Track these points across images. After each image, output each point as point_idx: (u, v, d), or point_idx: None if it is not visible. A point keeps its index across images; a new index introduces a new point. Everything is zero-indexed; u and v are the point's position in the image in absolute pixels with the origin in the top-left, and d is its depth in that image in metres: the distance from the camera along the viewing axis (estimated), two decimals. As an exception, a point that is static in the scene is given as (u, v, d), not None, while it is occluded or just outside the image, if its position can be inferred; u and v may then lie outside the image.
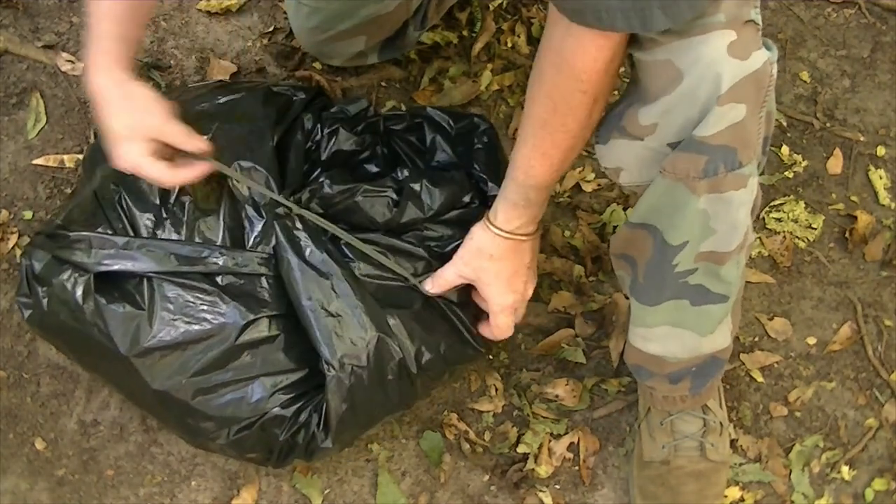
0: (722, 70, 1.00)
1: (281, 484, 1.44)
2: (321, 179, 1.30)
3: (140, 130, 1.15)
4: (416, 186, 1.31)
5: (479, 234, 1.26)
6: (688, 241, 1.13)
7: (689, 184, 1.07)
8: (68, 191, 1.56)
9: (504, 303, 1.29)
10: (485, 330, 1.33)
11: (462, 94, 1.67)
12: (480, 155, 1.38)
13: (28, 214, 1.55)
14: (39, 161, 1.58)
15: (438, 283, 1.29)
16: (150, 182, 1.21)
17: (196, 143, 1.17)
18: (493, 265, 1.26)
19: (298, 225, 1.26)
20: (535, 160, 1.17)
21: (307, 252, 1.25)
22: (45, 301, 1.26)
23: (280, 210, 1.27)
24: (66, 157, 1.58)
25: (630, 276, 1.26)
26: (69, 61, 1.64)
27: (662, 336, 1.27)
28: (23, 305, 1.30)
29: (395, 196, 1.30)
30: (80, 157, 1.57)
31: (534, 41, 1.76)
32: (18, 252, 1.52)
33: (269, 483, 1.43)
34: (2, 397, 1.45)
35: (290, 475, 1.44)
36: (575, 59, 1.06)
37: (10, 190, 1.56)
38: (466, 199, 1.33)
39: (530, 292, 1.32)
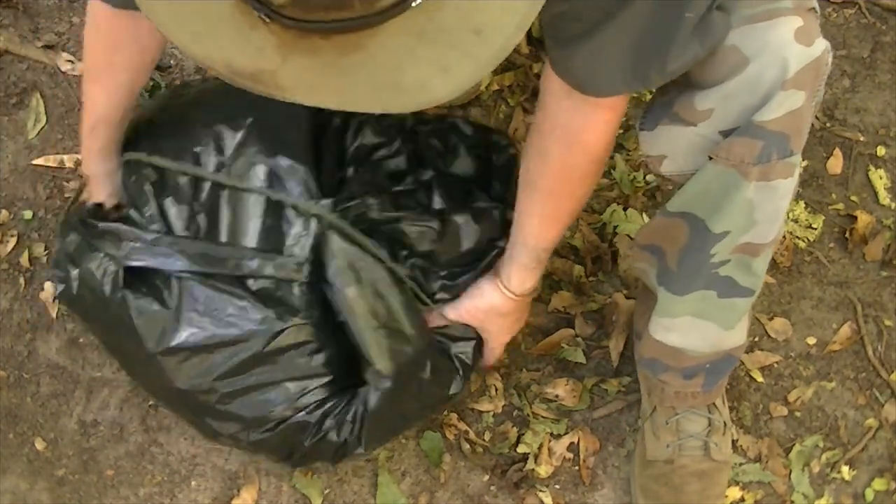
0: (789, 55, 0.99)
1: (281, 484, 1.44)
2: (368, 201, 1.27)
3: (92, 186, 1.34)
4: (460, 220, 1.31)
5: (490, 294, 1.32)
6: (729, 231, 1.12)
7: (743, 169, 1.05)
8: (68, 194, 1.56)
9: (505, 341, 1.39)
10: (486, 363, 1.43)
11: (463, 94, 1.67)
12: (500, 172, 1.40)
13: (28, 214, 1.55)
14: (39, 161, 1.58)
15: (436, 320, 1.33)
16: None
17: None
18: (503, 321, 1.35)
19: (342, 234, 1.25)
20: (544, 226, 1.22)
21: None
22: (75, 284, 1.26)
23: (321, 216, 1.24)
24: (65, 157, 1.58)
25: (656, 266, 1.24)
26: (69, 61, 1.64)
27: (685, 327, 1.25)
28: (56, 279, 1.30)
29: (437, 227, 1.29)
30: (80, 156, 1.57)
31: (534, 41, 1.75)
32: (18, 252, 1.52)
33: (269, 483, 1.43)
34: (2, 397, 1.45)
35: (290, 475, 1.44)
36: (586, 135, 1.09)
37: (10, 190, 1.56)
38: (500, 242, 1.32)
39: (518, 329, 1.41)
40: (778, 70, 1.00)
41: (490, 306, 1.32)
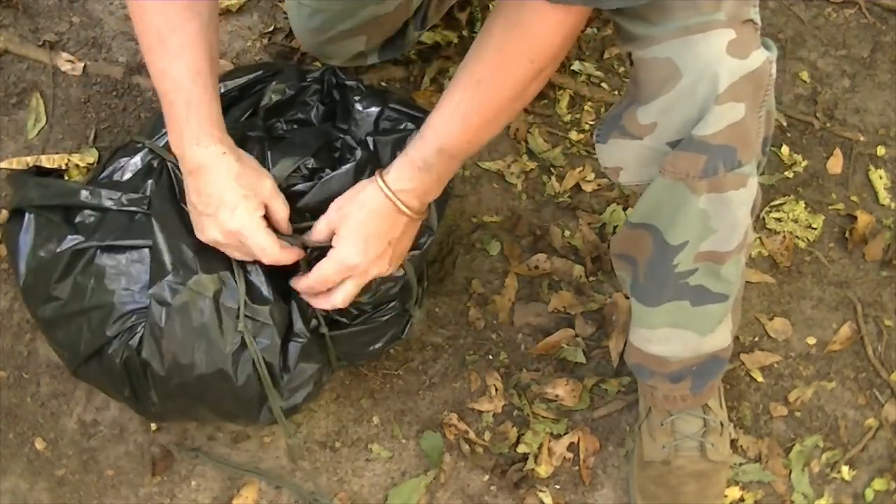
0: (720, 69, 1.00)
1: (281, 484, 1.44)
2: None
3: (260, 193, 1.12)
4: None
5: (363, 184, 1.16)
6: (688, 241, 1.13)
7: (689, 183, 1.07)
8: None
9: (345, 257, 1.15)
10: (299, 281, 1.20)
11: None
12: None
13: (28, 214, 1.55)
14: (40, 161, 1.58)
15: (315, 235, 1.19)
16: (252, 252, 1.15)
17: (288, 224, 1.16)
18: (360, 214, 1.14)
19: None
20: (453, 121, 1.09)
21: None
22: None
23: None
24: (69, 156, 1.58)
25: (630, 276, 1.26)
26: (69, 61, 1.64)
27: (664, 337, 1.28)
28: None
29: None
30: (80, 156, 1.57)
31: (534, 41, 1.76)
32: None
33: (268, 483, 1.43)
34: (2, 397, 1.45)
35: (291, 475, 1.44)
36: (532, 27, 1.02)
37: (11, 190, 1.56)
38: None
39: (375, 272, 1.17)
40: (709, 85, 1.00)
41: (357, 196, 1.15)
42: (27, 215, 1.28)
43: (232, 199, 1.11)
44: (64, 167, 1.55)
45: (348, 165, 1.24)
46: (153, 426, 1.45)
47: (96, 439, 1.44)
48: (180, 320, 1.20)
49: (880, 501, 1.49)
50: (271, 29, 1.70)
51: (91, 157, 1.57)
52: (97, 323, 1.24)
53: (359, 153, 1.25)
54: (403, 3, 1.44)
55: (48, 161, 1.58)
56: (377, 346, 1.35)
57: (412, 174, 1.13)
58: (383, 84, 1.68)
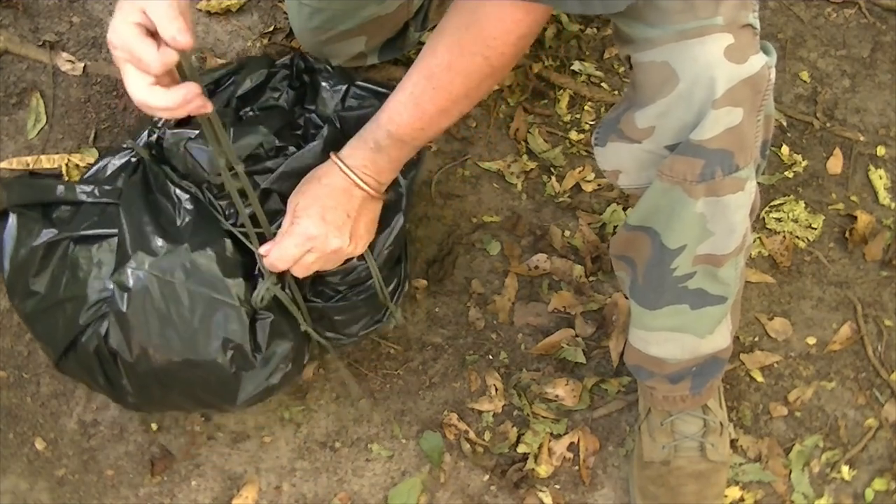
0: (717, 73, 1.00)
1: (281, 484, 1.44)
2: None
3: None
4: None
5: (323, 164, 1.19)
6: (686, 245, 1.13)
7: (687, 187, 1.07)
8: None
9: (305, 228, 1.16)
10: (263, 259, 1.20)
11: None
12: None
13: (28, 214, 1.55)
14: (40, 161, 1.58)
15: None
16: (138, 68, 0.95)
17: (179, 27, 0.91)
18: (318, 188, 1.17)
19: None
20: (406, 107, 1.11)
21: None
22: None
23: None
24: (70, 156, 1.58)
25: (630, 277, 1.26)
26: (69, 61, 1.64)
27: (662, 339, 1.28)
28: None
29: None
30: (80, 156, 1.57)
31: (534, 42, 1.75)
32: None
33: (268, 483, 1.43)
34: (2, 397, 1.45)
35: (291, 475, 1.44)
36: (488, 22, 1.02)
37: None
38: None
39: (335, 244, 1.17)
40: (706, 89, 1.00)
41: (315, 173, 1.19)
42: (10, 216, 1.30)
43: (117, 11, 0.95)
44: (63, 167, 1.55)
45: (315, 142, 1.24)
46: (153, 426, 1.45)
47: (96, 439, 1.44)
48: (142, 305, 1.20)
49: (880, 501, 1.49)
50: (271, 29, 1.70)
51: (91, 157, 1.57)
52: (71, 313, 1.25)
53: (326, 130, 1.26)
54: (404, 3, 1.44)
55: (48, 161, 1.58)
56: (355, 327, 1.35)
57: (364, 153, 1.16)
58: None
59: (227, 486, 1.43)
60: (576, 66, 1.74)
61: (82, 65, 1.63)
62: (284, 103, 1.36)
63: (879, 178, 1.70)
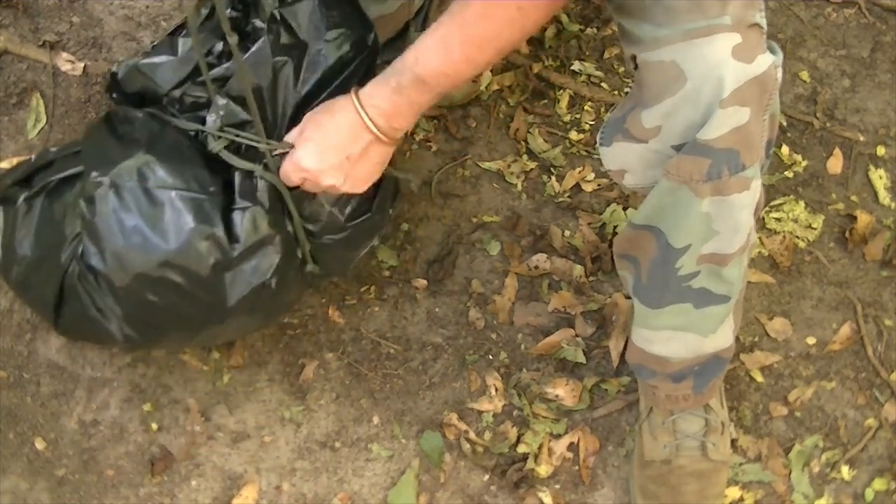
0: (725, 73, 1.00)
1: (281, 484, 1.44)
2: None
3: None
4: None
5: (340, 97, 1.18)
6: (691, 244, 1.13)
7: (693, 186, 1.07)
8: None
9: (300, 158, 1.17)
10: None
11: (462, 94, 1.67)
12: None
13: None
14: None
15: (288, 136, 1.21)
16: None
17: None
18: (326, 121, 1.17)
19: None
20: (435, 51, 1.09)
21: None
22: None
23: None
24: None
25: (633, 276, 1.26)
26: (69, 61, 1.64)
27: (666, 338, 1.28)
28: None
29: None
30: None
31: (534, 42, 1.76)
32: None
33: (268, 483, 1.43)
34: (2, 397, 1.45)
35: (291, 475, 1.44)
36: None
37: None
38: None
39: (329, 181, 1.18)
40: (713, 88, 1.00)
41: (329, 103, 1.18)
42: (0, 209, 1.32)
43: None
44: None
45: (261, 39, 1.23)
46: (153, 426, 1.45)
47: (96, 439, 1.44)
48: (108, 211, 1.21)
49: (880, 501, 1.49)
50: (271, 29, 1.70)
51: (91, 157, 1.57)
52: (54, 259, 1.27)
53: (270, 28, 1.24)
54: (404, 4, 1.44)
55: (48, 161, 1.58)
56: (353, 254, 1.37)
57: (383, 93, 1.14)
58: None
59: (227, 486, 1.43)
60: (576, 66, 1.74)
61: (82, 65, 1.64)
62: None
63: (879, 178, 1.70)
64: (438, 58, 1.09)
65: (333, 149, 1.16)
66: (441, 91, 1.13)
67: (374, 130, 1.15)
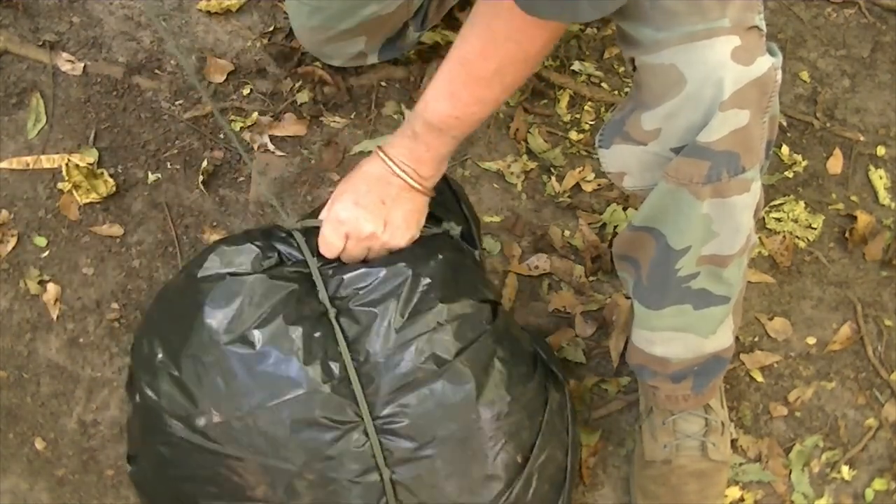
0: (724, 75, 1.00)
1: (281, 484, 1.44)
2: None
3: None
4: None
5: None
6: (691, 246, 1.13)
7: (693, 189, 1.07)
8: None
9: (336, 214, 1.17)
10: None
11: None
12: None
13: (28, 214, 1.55)
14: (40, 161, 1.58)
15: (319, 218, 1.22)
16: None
17: None
18: (356, 176, 1.18)
19: None
20: (441, 95, 1.11)
21: None
22: None
23: None
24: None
25: (633, 277, 1.26)
26: (69, 61, 1.64)
27: (666, 339, 1.28)
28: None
29: None
30: (80, 156, 1.57)
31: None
32: (18, 252, 1.52)
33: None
34: (2, 397, 1.45)
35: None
36: (517, 12, 1.01)
37: (10, 190, 1.56)
38: None
39: (369, 228, 1.16)
40: (713, 90, 1.00)
41: (361, 164, 1.20)
42: None
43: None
44: (63, 167, 1.55)
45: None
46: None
47: (96, 439, 1.44)
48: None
49: (880, 501, 1.49)
50: (271, 29, 1.70)
51: (91, 157, 1.57)
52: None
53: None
54: (404, 3, 1.44)
55: (48, 161, 1.58)
56: None
57: (402, 142, 1.15)
58: (382, 84, 1.68)
59: (227, 486, 1.43)
60: (576, 66, 1.74)
61: (82, 65, 1.64)
62: None
63: (879, 178, 1.70)
64: (446, 101, 1.11)
65: (365, 194, 1.16)
66: (457, 135, 1.14)
67: (403, 175, 1.16)
